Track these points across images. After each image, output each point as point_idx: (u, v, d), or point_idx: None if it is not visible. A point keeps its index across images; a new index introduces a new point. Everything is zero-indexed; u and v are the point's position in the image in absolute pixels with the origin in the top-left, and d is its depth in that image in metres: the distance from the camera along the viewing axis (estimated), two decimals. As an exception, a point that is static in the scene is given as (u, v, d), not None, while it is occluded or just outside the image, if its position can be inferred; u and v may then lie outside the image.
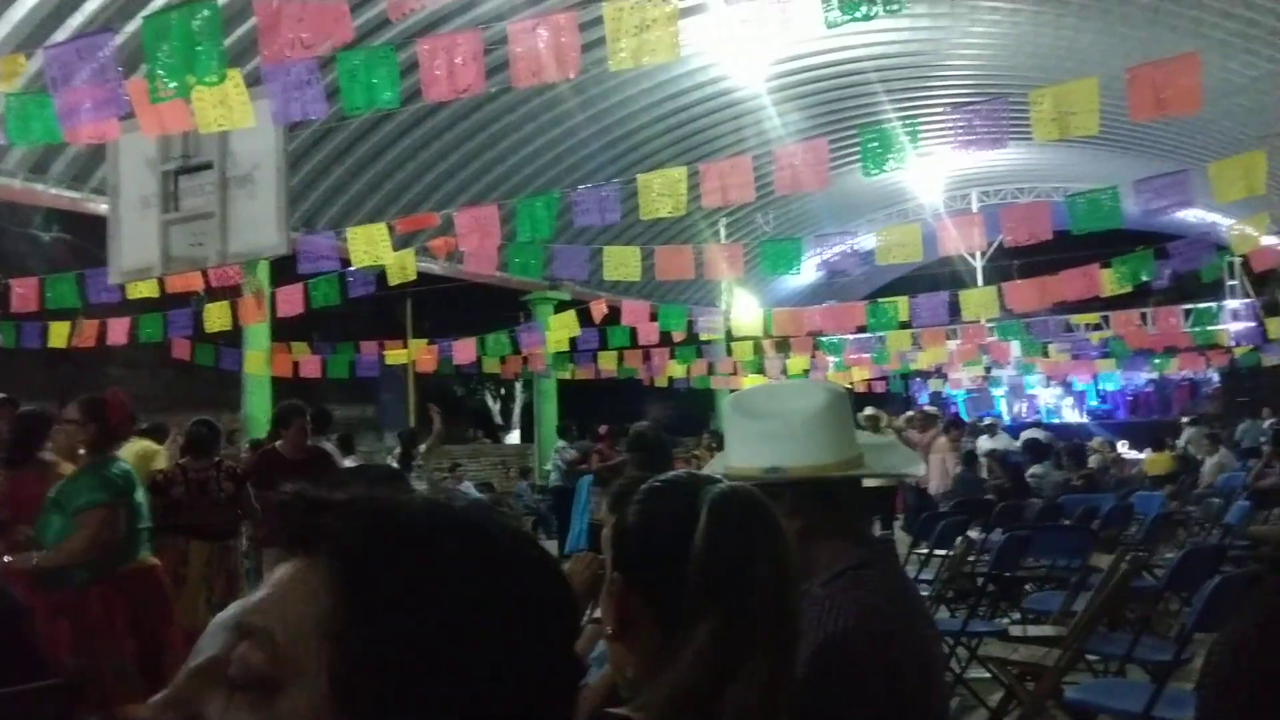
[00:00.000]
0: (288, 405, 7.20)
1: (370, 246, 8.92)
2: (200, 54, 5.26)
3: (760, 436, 1.79)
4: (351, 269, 10.59)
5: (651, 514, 1.25)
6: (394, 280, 10.39)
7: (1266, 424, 17.14)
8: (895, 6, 4.86)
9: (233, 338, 12.87)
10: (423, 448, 10.81)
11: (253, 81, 6.36)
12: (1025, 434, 15.88)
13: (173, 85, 5.33)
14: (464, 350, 15.12)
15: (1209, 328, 17.45)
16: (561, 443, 14.29)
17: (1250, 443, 16.43)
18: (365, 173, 14.53)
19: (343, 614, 0.65)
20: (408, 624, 0.65)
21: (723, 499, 1.20)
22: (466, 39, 5.77)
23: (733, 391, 2.01)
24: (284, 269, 11.08)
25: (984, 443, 14.24)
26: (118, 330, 11.62)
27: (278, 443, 7.15)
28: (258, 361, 13.03)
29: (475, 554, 0.69)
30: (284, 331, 13.59)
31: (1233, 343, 18.97)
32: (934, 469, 12.24)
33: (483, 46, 5.77)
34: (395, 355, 15.98)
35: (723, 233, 18.73)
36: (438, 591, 0.66)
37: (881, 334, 17.86)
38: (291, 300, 11.20)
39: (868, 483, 1.95)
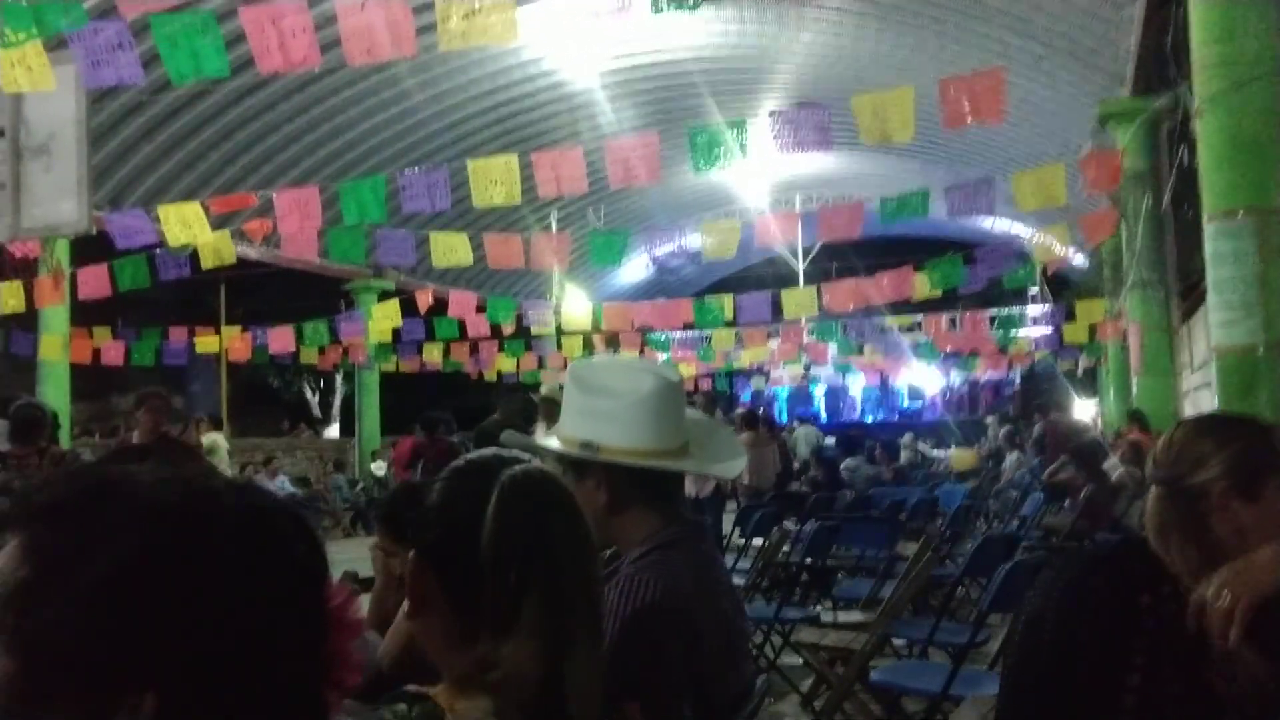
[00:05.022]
0: (141, 392, 6.74)
1: (185, 226, 8.50)
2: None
3: (585, 411, 1.82)
4: (162, 250, 10.08)
5: (451, 493, 1.23)
6: (208, 263, 9.93)
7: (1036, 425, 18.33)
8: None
9: (25, 320, 12.02)
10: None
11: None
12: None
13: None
14: (280, 339, 14.58)
15: (1012, 332, 18.52)
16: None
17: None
18: (179, 150, 13.83)
19: (19, 577, 0.67)
20: (68, 584, 0.66)
21: (514, 482, 1.17)
22: (293, 10, 5.56)
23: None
24: (87, 248, 10.44)
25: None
26: (-106, 309, 10.71)
27: (133, 432, 6.68)
28: (54, 346, 12.20)
29: (156, 518, 0.69)
30: (85, 315, 12.80)
31: (1033, 347, 20.18)
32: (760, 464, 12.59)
33: (312, 19, 5.59)
34: (206, 342, 15.28)
35: (554, 226, 18.70)
36: (99, 553, 0.66)
37: (707, 332, 18.23)
38: (95, 282, 10.56)
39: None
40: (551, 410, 8.57)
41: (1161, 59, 8.55)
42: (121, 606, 0.65)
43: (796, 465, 15.52)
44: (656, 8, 5.19)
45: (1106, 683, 1.52)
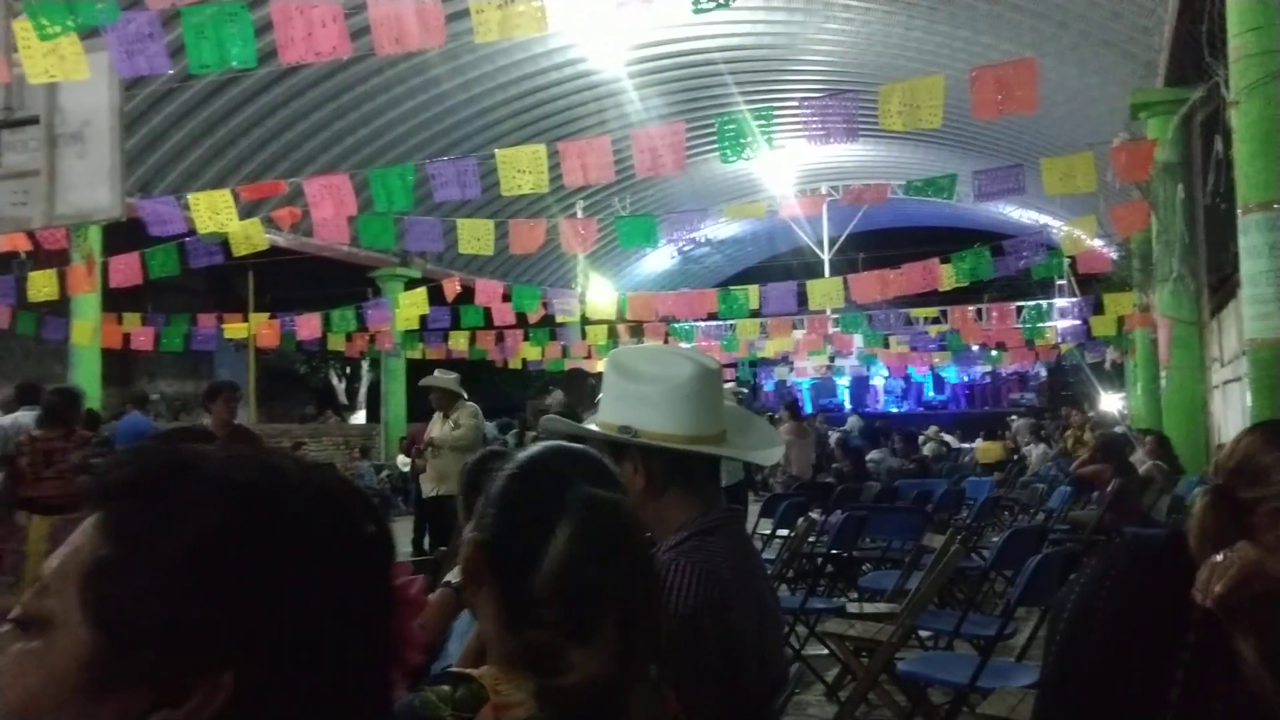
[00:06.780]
0: (215, 382, 6.79)
1: (215, 214, 8.56)
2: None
3: (624, 395, 1.84)
4: (192, 237, 10.15)
5: (514, 494, 1.21)
6: (239, 250, 10.00)
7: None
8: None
9: (58, 306, 12.15)
10: None
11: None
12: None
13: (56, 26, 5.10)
14: (308, 325, 14.68)
15: (1039, 324, 18.37)
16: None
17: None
18: (208, 137, 13.92)
19: (100, 554, 0.68)
20: (149, 560, 0.67)
21: (587, 519, 1.13)
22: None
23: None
24: (117, 236, 10.54)
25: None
26: (-73, 295, 10.87)
27: (207, 420, 6.75)
28: (85, 332, 12.33)
29: (232, 495, 0.70)
30: (115, 300, 12.92)
31: (1060, 340, 20.03)
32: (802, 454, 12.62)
33: (342, 9, 5.61)
34: (234, 329, 15.40)
35: (580, 215, 18.71)
36: (179, 529, 0.68)
37: (732, 322, 18.21)
38: (126, 269, 10.65)
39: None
40: (442, 399, 8.30)
41: (1196, 49, 8.44)
42: (200, 582, 0.66)
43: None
44: (698, 7, 5.19)
45: (1155, 676, 1.49)
